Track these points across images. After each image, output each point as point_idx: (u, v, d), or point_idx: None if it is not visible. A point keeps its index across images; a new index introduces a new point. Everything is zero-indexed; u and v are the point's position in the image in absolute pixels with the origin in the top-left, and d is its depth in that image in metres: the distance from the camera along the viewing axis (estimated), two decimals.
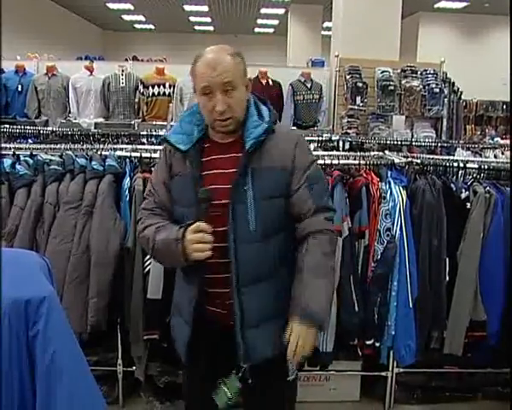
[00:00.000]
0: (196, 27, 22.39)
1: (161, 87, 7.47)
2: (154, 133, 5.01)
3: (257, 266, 2.02)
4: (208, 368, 2.20)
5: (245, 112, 2.06)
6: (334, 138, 4.87)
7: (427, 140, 5.41)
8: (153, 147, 4.08)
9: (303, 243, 2.08)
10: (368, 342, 3.37)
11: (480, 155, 4.83)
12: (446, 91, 6.72)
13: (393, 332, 3.29)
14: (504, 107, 10.69)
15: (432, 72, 6.78)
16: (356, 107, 6.63)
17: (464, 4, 14.89)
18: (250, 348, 2.02)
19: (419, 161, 3.68)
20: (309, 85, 7.53)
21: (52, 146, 3.72)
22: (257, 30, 22.30)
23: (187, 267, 2.05)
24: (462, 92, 7.02)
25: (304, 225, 2.07)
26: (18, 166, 3.28)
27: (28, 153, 3.47)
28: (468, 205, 3.36)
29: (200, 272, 2.05)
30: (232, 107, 1.98)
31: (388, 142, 5.05)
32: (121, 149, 3.64)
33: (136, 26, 22.23)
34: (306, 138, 3.32)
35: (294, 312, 1.97)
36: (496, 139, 7.82)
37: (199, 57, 2.03)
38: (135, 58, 12.91)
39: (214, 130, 2.08)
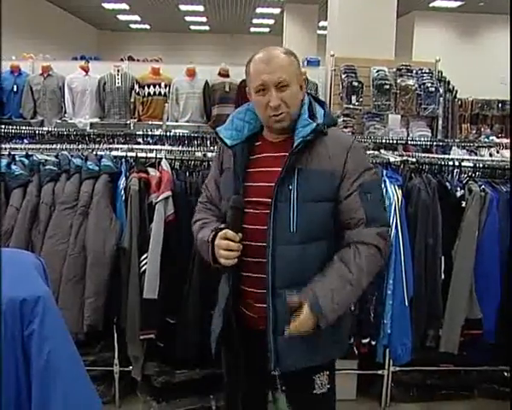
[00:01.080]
0: (192, 27, 22.36)
1: (157, 87, 7.48)
2: (150, 133, 5.02)
3: (293, 269, 1.97)
4: (242, 369, 2.19)
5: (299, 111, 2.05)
6: None
7: (422, 139, 5.42)
8: (148, 147, 4.09)
9: (344, 249, 2.00)
10: (364, 341, 3.38)
11: (476, 154, 4.84)
12: (442, 90, 6.73)
13: (389, 331, 3.29)
14: (500, 105, 10.72)
15: (427, 71, 6.79)
16: (351, 106, 6.63)
17: (459, 3, 14.92)
18: (281, 356, 1.97)
19: (414, 159, 3.68)
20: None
21: (48, 146, 3.71)
22: (252, 29, 22.32)
23: None
24: (457, 91, 7.03)
25: (351, 233, 1.98)
26: (13, 167, 3.28)
27: (24, 153, 3.46)
28: (464, 203, 3.37)
29: (237, 269, 2.04)
30: (286, 102, 1.97)
31: (384, 141, 5.05)
32: (117, 149, 3.64)
33: (132, 25, 22.18)
34: None
35: (306, 290, 1.92)
36: (491, 138, 7.83)
37: (252, 57, 2.04)
38: (130, 58, 12.88)
39: (269, 128, 2.08)
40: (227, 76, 7.55)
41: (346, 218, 1.99)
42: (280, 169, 1.97)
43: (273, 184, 1.97)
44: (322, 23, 15.99)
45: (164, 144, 4.65)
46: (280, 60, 1.98)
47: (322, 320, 1.89)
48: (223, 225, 2.03)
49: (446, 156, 4.07)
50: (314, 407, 2.14)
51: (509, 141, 5.71)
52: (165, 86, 7.51)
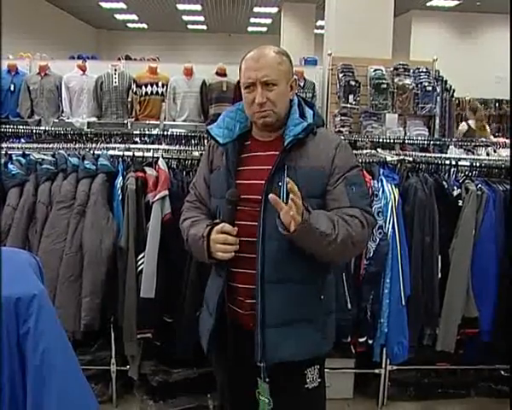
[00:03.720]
0: (189, 26, 22.35)
1: (154, 86, 7.47)
2: (147, 132, 5.01)
3: (283, 265, 2.00)
4: (233, 368, 2.21)
5: (287, 111, 2.09)
6: None
7: (419, 138, 5.43)
8: (146, 146, 4.09)
9: None
10: (361, 340, 3.38)
11: (473, 153, 4.85)
12: (439, 89, 6.74)
13: (386, 330, 3.30)
14: (497, 105, 10.75)
15: (424, 70, 6.80)
16: (349, 105, 6.64)
17: (456, 2, 14.93)
18: (268, 348, 2.00)
19: (411, 158, 3.69)
20: (302, 84, 7.52)
21: (45, 145, 3.71)
22: (250, 29, 22.33)
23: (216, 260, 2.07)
24: (454, 90, 7.05)
25: (337, 211, 1.99)
26: (10, 166, 3.27)
27: (20, 152, 3.46)
28: (460, 202, 3.38)
29: (228, 265, 2.07)
30: (272, 100, 2.02)
31: (381, 140, 5.06)
32: (114, 149, 3.64)
33: (129, 25, 22.17)
34: None
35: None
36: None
37: (246, 54, 2.09)
38: (127, 57, 12.85)
39: (255, 124, 2.13)
40: (224, 75, 7.54)
41: (332, 207, 2.02)
42: (267, 167, 2.02)
43: (262, 182, 2.00)
44: (319, 22, 16.01)
45: (161, 144, 4.65)
46: (269, 58, 2.03)
47: (306, 222, 1.84)
48: (217, 220, 2.06)
49: (443, 155, 4.08)
50: (306, 401, 2.16)
51: (506, 140, 5.72)
52: (163, 85, 7.50)
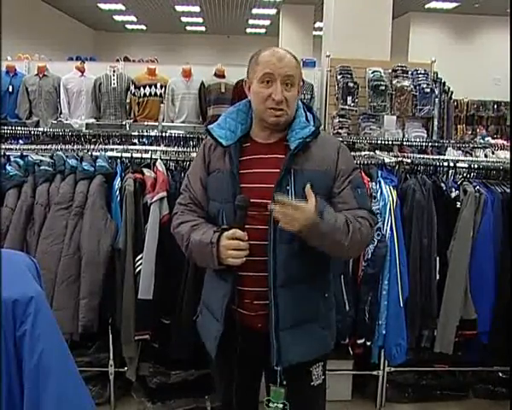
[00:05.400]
0: (188, 28, 22.36)
1: (153, 88, 7.48)
2: (146, 134, 5.01)
3: (294, 267, 2.01)
4: (238, 370, 2.18)
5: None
6: None
7: (417, 140, 5.43)
8: (144, 147, 4.08)
9: None
10: (359, 342, 3.38)
11: (471, 155, 4.85)
12: (437, 91, 6.73)
13: (384, 331, 3.30)
14: (495, 106, 10.75)
15: (422, 72, 6.80)
16: (347, 107, 6.63)
17: (455, 4, 14.94)
18: (283, 351, 2.00)
19: (409, 160, 3.69)
20: None
21: (43, 147, 3.71)
22: (248, 30, 22.33)
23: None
24: (452, 92, 7.05)
25: (346, 213, 2.02)
26: (8, 167, 3.27)
27: (19, 154, 3.46)
28: (458, 204, 3.38)
29: (235, 270, 2.04)
30: (288, 101, 2.02)
31: (379, 142, 5.06)
32: (112, 150, 3.64)
33: (128, 26, 22.16)
34: None
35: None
36: (487, 139, 7.85)
37: (259, 52, 2.07)
38: (126, 59, 12.84)
39: (262, 125, 2.09)
40: (223, 77, 7.54)
41: (341, 209, 2.03)
42: (274, 170, 2.00)
43: (270, 186, 1.98)
44: (317, 24, 16.01)
45: (159, 145, 4.65)
46: (289, 58, 2.04)
47: (317, 224, 1.86)
48: (225, 226, 2.02)
49: (441, 157, 4.08)
50: (312, 398, 2.18)
51: (504, 142, 5.71)
52: (161, 87, 7.50)
